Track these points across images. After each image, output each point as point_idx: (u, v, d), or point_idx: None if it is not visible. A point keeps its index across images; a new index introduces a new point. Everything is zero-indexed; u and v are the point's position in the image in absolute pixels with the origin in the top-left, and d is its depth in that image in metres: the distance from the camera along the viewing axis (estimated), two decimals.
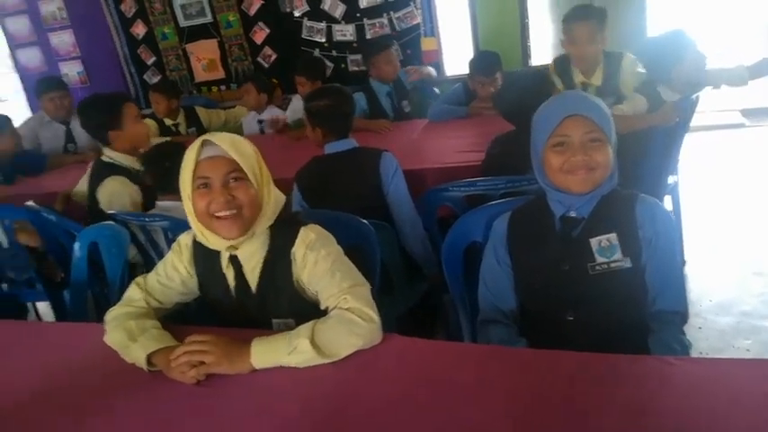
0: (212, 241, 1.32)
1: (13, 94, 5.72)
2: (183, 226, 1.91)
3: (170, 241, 1.97)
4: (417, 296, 2.04)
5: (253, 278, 1.36)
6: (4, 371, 1.36)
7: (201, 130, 3.79)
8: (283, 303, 1.34)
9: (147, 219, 1.97)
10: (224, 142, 1.25)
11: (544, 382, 1.06)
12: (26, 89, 4.70)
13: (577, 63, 2.66)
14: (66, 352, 1.41)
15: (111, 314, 1.39)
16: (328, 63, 3.92)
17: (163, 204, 2.10)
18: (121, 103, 2.35)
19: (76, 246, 1.99)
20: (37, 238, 2.43)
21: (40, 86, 3.62)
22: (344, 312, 1.19)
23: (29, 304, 2.96)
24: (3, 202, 2.53)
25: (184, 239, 1.45)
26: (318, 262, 1.28)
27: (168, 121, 3.66)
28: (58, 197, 2.76)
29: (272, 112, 3.66)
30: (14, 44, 4.56)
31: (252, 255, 1.35)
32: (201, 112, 3.76)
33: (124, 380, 1.24)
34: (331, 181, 1.99)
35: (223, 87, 4.27)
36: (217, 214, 1.26)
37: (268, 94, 3.65)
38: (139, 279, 1.46)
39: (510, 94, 1.95)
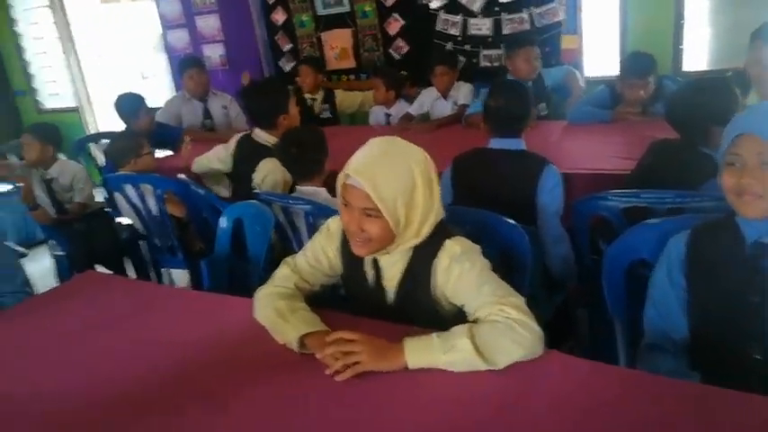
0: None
1: (159, 72, 6.18)
2: (325, 211, 1.95)
3: (310, 225, 2.00)
4: (553, 309, 1.94)
5: (391, 284, 1.36)
6: (153, 333, 1.44)
7: (333, 110, 3.89)
8: (419, 314, 1.32)
9: (290, 201, 2.02)
10: (366, 179, 1.20)
11: (725, 426, 0.95)
12: (171, 69, 5.04)
13: (756, 87, 2.32)
14: (214, 322, 1.46)
15: (262, 292, 1.43)
16: (460, 57, 3.86)
17: (303, 189, 2.15)
18: (287, 88, 2.44)
19: (222, 220, 2.08)
20: (183, 208, 2.59)
21: (182, 65, 3.87)
22: (505, 320, 1.14)
23: (163, 270, 3.17)
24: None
25: (334, 225, 1.45)
26: (464, 274, 1.25)
27: (308, 95, 3.83)
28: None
29: (400, 106, 3.66)
30: (166, 25, 4.89)
31: (393, 263, 1.35)
32: (340, 93, 3.89)
33: (271, 357, 1.26)
34: (486, 174, 1.97)
35: (352, 77, 4.34)
36: (349, 234, 1.29)
37: (396, 90, 3.67)
38: (288, 259, 1.49)
39: (684, 101, 1.79)
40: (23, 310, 1.68)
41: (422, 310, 1.32)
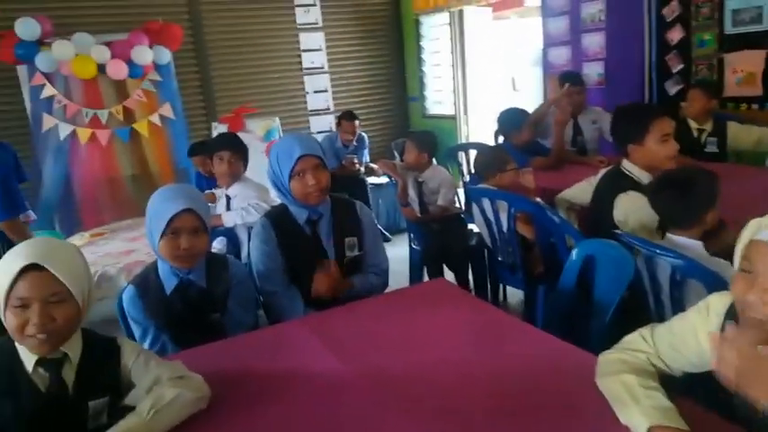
0: None
1: (531, 86, 6.35)
2: (697, 270, 1.63)
3: (675, 284, 1.70)
4: None
5: None
6: (485, 358, 1.40)
7: (722, 144, 3.31)
8: None
9: (657, 250, 1.75)
10: None
11: None
12: (544, 84, 5.09)
13: None
14: (549, 369, 1.35)
15: (609, 356, 1.24)
16: None
17: (674, 239, 1.84)
18: (651, 119, 2.15)
19: (574, 252, 1.95)
20: (532, 230, 2.54)
21: (564, 78, 3.76)
22: None
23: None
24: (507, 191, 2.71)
25: (717, 303, 1.16)
26: None
27: (693, 124, 3.36)
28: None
29: None
30: (548, 42, 4.94)
31: None
32: (733, 126, 3.28)
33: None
34: None
35: (755, 106, 3.61)
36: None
37: None
38: (645, 331, 1.25)
39: None
40: (378, 301, 1.88)
41: None
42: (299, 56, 6.18)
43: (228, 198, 2.83)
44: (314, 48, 6.24)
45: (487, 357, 1.43)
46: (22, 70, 4.69)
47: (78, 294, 1.19)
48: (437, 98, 6.52)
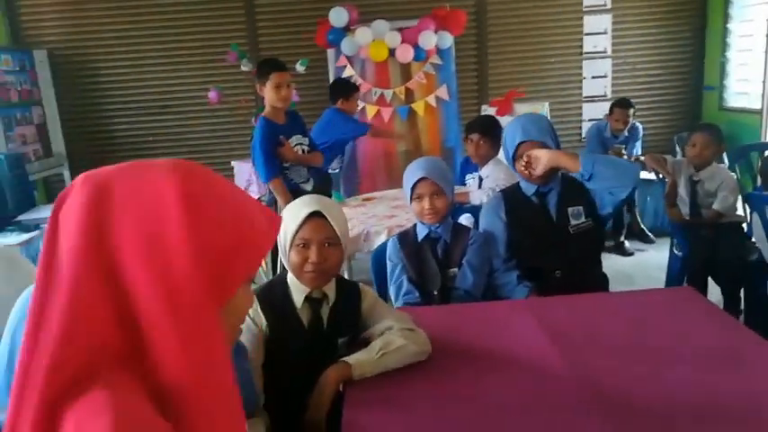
0: None
1: None
2: None
3: None
4: None
5: None
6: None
7: None
8: None
9: None
10: None
11: None
12: None
13: None
14: None
15: None
16: None
17: None
18: None
19: None
20: None
21: None
22: None
23: None
24: None
25: None
26: None
27: None
28: None
29: None
30: None
31: None
32: None
33: None
34: None
35: None
36: None
37: None
38: None
39: None
40: (608, 298, 1.79)
41: None
42: (581, 40, 5.93)
43: (481, 179, 2.95)
44: (598, 31, 5.92)
45: (726, 387, 1.26)
46: (330, 53, 5.51)
47: (344, 242, 1.45)
48: (741, 88, 5.60)
